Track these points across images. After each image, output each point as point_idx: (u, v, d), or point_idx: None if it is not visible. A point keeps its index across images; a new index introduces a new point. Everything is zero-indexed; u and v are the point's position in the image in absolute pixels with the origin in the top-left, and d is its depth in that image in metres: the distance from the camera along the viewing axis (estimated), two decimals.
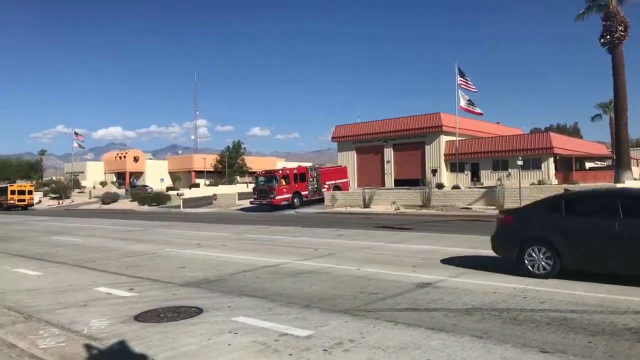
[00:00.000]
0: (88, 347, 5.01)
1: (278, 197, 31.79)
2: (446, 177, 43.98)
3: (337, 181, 36.99)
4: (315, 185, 34.87)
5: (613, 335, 4.88)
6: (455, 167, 43.21)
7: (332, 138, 53.15)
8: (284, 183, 32.45)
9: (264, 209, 32.45)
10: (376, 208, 28.57)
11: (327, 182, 35.71)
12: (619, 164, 27.83)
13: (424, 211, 25.27)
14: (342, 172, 39.20)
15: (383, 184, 46.46)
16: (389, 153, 48.16)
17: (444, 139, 44.69)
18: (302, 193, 33.70)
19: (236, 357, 4.54)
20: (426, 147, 45.75)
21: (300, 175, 34.15)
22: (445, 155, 44.69)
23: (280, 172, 34.03)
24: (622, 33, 26.95)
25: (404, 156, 47.23)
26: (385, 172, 48.10)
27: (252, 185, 39.37)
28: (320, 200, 34.13)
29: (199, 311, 6.28)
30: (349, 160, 50.93)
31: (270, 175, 33.88)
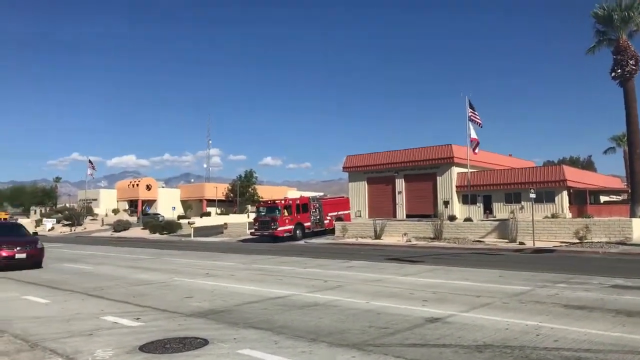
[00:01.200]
0: None
1: (280, 229, 31.10)
2: (458, 209, 43.66)
3: (340, 212, 36.38)
4: (318, 217, 34.26)
5: None
6: (467, 199, 42.88)
7: (344, 168, 53.26)
8: (286, 214, 31.85)
9: (267, 240, 31.77)
10: (387, 239, 28.34)
11: (329, 214, 35.11)
12: (634, 197, 27.44)
13: (436, 243, 24.99)
14: (344, 203, 38.76)
15: (394, 215, 46.20)
16: (400, 184, 48.06)
17: (455, 170, 44.57)
18: (305, 224, 33.08)
19: None
20: (438, 178, 45.61)
21: (303, 206, 33.59)
22: (457, 186, 44.47)
23: (283, 202, 33.48)
24: (634, 67, 27.05)
25: (415, 187, 47.08)
26: (397, 203, 47.89)
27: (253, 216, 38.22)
28: (323, 232, 33.74)
29: (204, 342, 6.21)
30: (360, 190, 50.87)
31: (272, 205, 33.19)
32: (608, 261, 16.38)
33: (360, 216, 48.82)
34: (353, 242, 28.35)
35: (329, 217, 34.76)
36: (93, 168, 69.24)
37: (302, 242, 30.72)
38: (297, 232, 32.23)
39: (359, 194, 51.13)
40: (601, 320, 7.07)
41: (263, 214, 32.46)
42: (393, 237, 28.77)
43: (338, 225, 32.99)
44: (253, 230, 32.88)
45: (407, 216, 45.68)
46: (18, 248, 16.04)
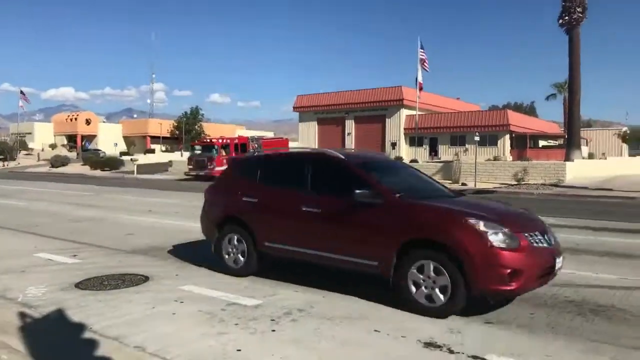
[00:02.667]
0: (22, 315, 4.73)
1: (217, 169, 28.61)
2: (405, 150, 44.49)
3: None
4: None
5: (555, 307, 5.01)
6: (414, 141, 43.71)
7: (294, 108, 52.58)
8: (224, 154, 30.19)
9: (204, 180, 30.10)
10: None
11: None
12: (570, 143, 28.85)
13: None
14: (284, 144, 37.07)
15: None
16: (350, 125, 48.16)
17: (404, 112, 45.00)
18: None
19: (180, 327, 4.39)
20: (387, 120, 45.99)
21: (242, 146, 32.02)
22: (405, 129, 45.09)
23: (220, 141, 31.91)
24: (581, 14, 27.56)
25: (365, 129, 47.35)
26: (346, 144, 48.15)
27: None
28: None
29: (145, 279, 6.06)
30: (310, 131, 50.66)
31: (209, 144, 31.71)
32: (542, 202, 17.30)
33: None
34: None
35: None
36: (26, 100, 64.77)
37: None
38: None
39: (309, 134, 50.94)
40: None
41: (199, 152, 31.15)
42: None
43: None
44: (187, 170, 31.44)
45: None
46: None
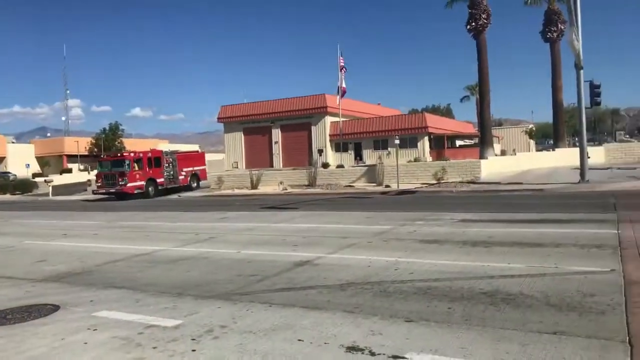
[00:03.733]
0: None
1: (130, 184, 27.88)
2: (332, 156, 45.12)
3: (195, 168, 33.22)
4: (172, 172, 31.09)
5: (470, 299, 5.24)
6: (340, 146, 44.46)
7: (219, 119, 51.72)
8: (136, 168, 28.73)
9: (115, 197, 28.66)
10: (264, 189, 28.48)
11: (184, 169, 32.04)
12: (483, 141, 30.63)
13: (310, 190, 25.68)
14: (199, 158, 35.25)
15: (272, 165, 46.42)
16: (276, 134, 48.13)
17: (329, 119, 45.68)
18: (158, 180, 29.87)
19: (92, 357, 4.12)
20: (312, 127, 46.44)
21: (155, 160, 30.24)
22: (330, 135, 45.77)
23: (132, 155, 29.87)
24: (485, 20, 29.40)
25: (291, 137, 47.50)
26: (274, 153, 48.06)
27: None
28: (177, 189, 31.09)
29: (54, 308, 5.66)
30: (237, 141, 50.06)
31: (119, 158, 29.48)
32: (459, 198, 18.17)
33: (237, 167, 48.30)
34: (229, 194, 28.03)
35: (184, 173, 31.91)
36: None
37: (175, 196, 29.60)
38: (150, 188, 29.13)
39: (235, 145, 50.32)
40: (450, 252, 7.80)
41: (107, 169, 29.06)
42: (270, 187, 28.98)
43: (213, 176, 32.27)
44: (95, 188, 29.45)
45: (284, 166, 46.23)
46: None
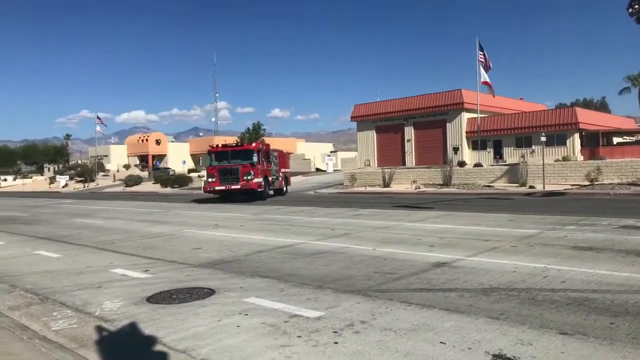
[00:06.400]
0: (99, 329, 5.01)
1: (255, 180, 23.09)
2: (468, 155, 43.23)
3: (286, 170, 28.97)
4: (276, 171, 26.87)
5: (637, 316, 4.65)
6: (477, 144, 42.37)
7: (352, 117, 52.59)
8: (261, 161, 24.13)
9: (238, 197, 24.10)
10: (396, 187, 28.31)
11: (282, 169, 27.94)
12: None
13: (445, 190, 24.90)
14: (287, 158, 31.07)
15: (404, 164, 45.95)
16: (409, 132, 47.49)
17: (465, 116, 43.81)
18: (269, 178, 25.29)
19: (244, 339, 4.48)
20: (447, 124, 44.93)
21: (266, 155, 25.37)
22: (467, 132, 43.87)
23: (257, 146, 24.86)
24: None
25: (424, 135, 46.51)
26: (406, 151, 47.51)
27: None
28: (279, 192, 27.09)
29: (211, 292, 6.25)
30: (369, 139, 50.46)
31: (242, 148, 24.18)
32: (619, 202, 16.20)
33: (369, 165, 48.70)
34: (362, 191, 28.36)
35: (281, 174, 27.70)
36: (103, 124, 69.34)
37: (311, 192, 30.76)
38: (266, 188, 24.55)
39: (367, 143, 50.77)
40: (610, 261, 6.99)
41: (225, 162, 23.47)
42: (402, 185, 28.73)
43: (347, 174, 32.87)
44: (207, 186, 23.99)
45: (417, 164, 45.47)
46: None
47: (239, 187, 23.08)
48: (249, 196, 23.74)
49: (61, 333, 4.97)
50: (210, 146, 25.36)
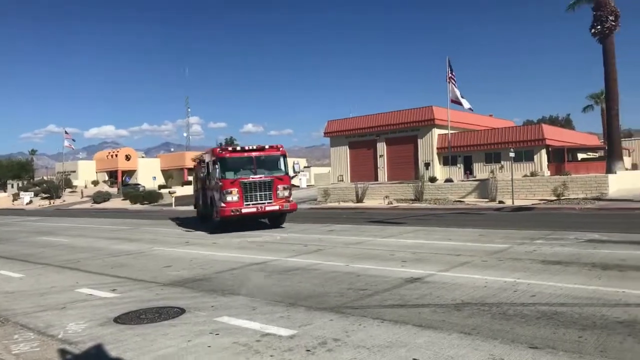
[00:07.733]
0: (62, 352, 4.82)
1: (292, 198, 17.29)
2: (439, 170, 43.91)
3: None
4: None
5: (604, 329, 4.74)
6: (448, 160, 43.14)
7: (325, 133, 52.91)
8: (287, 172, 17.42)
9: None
10: (369, 203, 28.44)
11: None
12: (611, 154, 27.85)
13: (417, 205, 25.14)
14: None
15: (376, 179, 46.34)
16: (382, 147, 48.01)
17: (436, 132, 44.58)
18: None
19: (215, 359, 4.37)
20: (419, 140, 45.63)
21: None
22: (437, 148, 44.60)
23: (281, 150, 17.35)
24: (613, 23, 26.90)
25: (396, 150, 47.10)
26: (379, 166, 47.96)
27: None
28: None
29: (181, 311, 6.10)
30: (342, 155, 50.78)
31: (269, 153, 16.96)
32: (584, 217, 16.65)
33: (342, 180, 48.91)
34: (335, 207, 28.38)
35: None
36: (71, 139, 67.82)
37: None
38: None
39: (340, 158, 51.07)
40: (577, 275, 7.14)
41: (249, 172, 16.24)
42: (375, 200, 28.89)
43: (320, 189, 32.92)
44: (226, 208, 15.66)
45: (389, 180, 45.89)
46: None
47: (276, 208, 16.45)
48: (275, 220, 17.57)
49: (22, 357, 4.76)
50: (220, 149, 17.20)
